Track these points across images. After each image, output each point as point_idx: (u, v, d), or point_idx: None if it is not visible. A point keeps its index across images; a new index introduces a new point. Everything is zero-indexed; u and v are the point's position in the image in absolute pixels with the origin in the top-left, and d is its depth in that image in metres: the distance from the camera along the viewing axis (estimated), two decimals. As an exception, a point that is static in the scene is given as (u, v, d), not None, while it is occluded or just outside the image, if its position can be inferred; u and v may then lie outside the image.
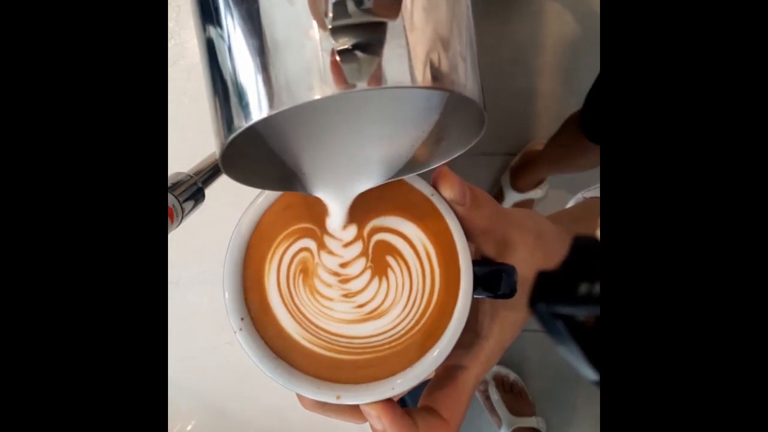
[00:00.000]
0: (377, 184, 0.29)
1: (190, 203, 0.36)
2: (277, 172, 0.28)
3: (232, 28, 0.19)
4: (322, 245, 0.28)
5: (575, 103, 0.94)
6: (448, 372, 0.30)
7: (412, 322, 0.27)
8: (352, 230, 0.29)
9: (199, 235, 0.54)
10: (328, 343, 0.27)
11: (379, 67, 0.19)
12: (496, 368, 1.29)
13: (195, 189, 0.36)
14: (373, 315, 0.28)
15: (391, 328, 0.27)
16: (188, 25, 0.58)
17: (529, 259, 0.30)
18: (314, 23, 0.18)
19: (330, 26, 0.18)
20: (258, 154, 0.27)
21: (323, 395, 0.26)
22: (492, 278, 0.28)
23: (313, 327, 0.27)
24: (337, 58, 0.18)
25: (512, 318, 0.31)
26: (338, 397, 0.26)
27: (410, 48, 0.19)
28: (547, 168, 1.19)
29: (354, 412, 0.28)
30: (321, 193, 0.28)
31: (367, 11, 0.18)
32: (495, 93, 1.27)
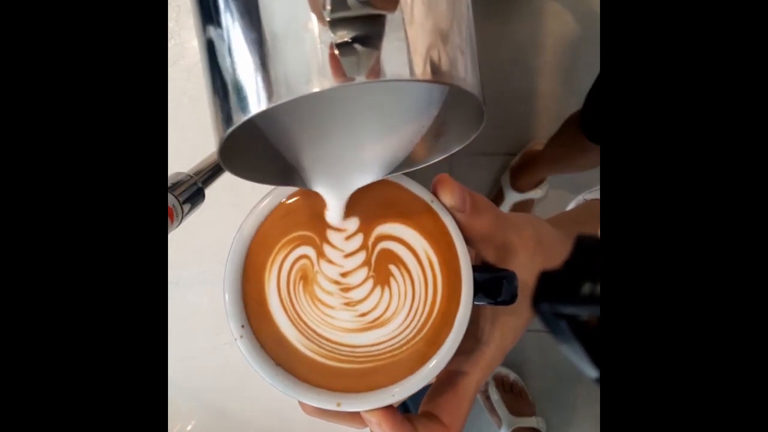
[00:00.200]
0: (376, 179, 0.28)
1: (190, 203, 0.36)
2: (277, 167, 0.28)
3: (231, 21, 0.19)
4: (321, 253, 0.28)
5: (575, 103, 0.94)
6: (448, 377, 0.30)
7: (414, 331, 0.27)
8: (357, 240, 0.28)
9: (199, 235, 0.54)
10: (330, 351, 0.27)
11: (378, 60, 0.18)
12: (496, 368, 1.29)
13: (195, 189, 0.36)
14: (376, 324, 0.27)
15: (394, 337, 0.27)
16: (188, 25, 0.58)
17: (530, 264, 0.30)
18: (313, 16, 0.18)
19: (328, 19, 0.18)
20: (257, 149, 0.27)
21: (324, 402, 0.26)
22: (493, 285, 0.28)
23: (314, 336, 0.27)
24: (336, 51, 0.18)
25: (513, 323, 0.31)
26: (339, 404, 0.26)
27: (409, 41, 0.19)
28: (547, 168, 1.19)
29: (355, 417, 0.28)
30: (319, 188, 0.28)
31: (366, 4, 0.18)
32: (495, 93, 1.27)
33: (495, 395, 1.26)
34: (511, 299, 0.28)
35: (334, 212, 0.28)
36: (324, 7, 0.18)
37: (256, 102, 0.19)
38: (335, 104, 0.26)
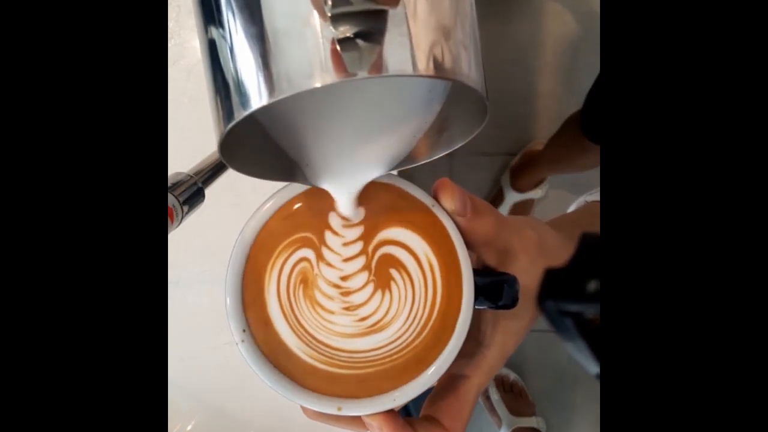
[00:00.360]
0: (380, 175, 0.28)
1: (190, 203, 0.36)
2: (279, 163, 0.28)
3: (233, 17, 0.19)
4: (321, 257, 0.28)
5: (575, 103, 0.94)
6: (450, 381, 0.30)
7: (414, 335, 0.27)
8: (357, 244, 0.28)
9: (199, 235, 0.54)
10: (329, 357, 0.27)
11: (380, 55, 0.18)
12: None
13: (195, 189, 0.36)
14: (375, 328, 0.27)
15: (393, 341, 0.27)
16: (188, 25, 0.58)
17: (531, 268, 0.30)
18: (314, 11, 0.18)
19: (330, 14, 0.18)
20: (260, 145, 0.27)
21: (325, 407, 0.26)
22: (493, 289, 0.28)
23: (314, 342, 0.27)
24: (338, 46, 0.18)
25: (514, 327, 0.31)
26: (339, 409, 0.26)
27: (412, 36, 0.19)
28: (547, 168, 1.19)
29: (356, 422, 0.28)
30: (324, 184, 0.28)
31: None
32: (495, 93, 1.27)
33: (495, 395, 1.26)
34: (512, 303, 0.28)
35: (344, 207, 0.28)
36: (325, 2, 0.18)
37: (258, 97, 0.19)
38: (338, 100, 0.26)
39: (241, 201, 0.57)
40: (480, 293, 0.28)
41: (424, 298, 0.28)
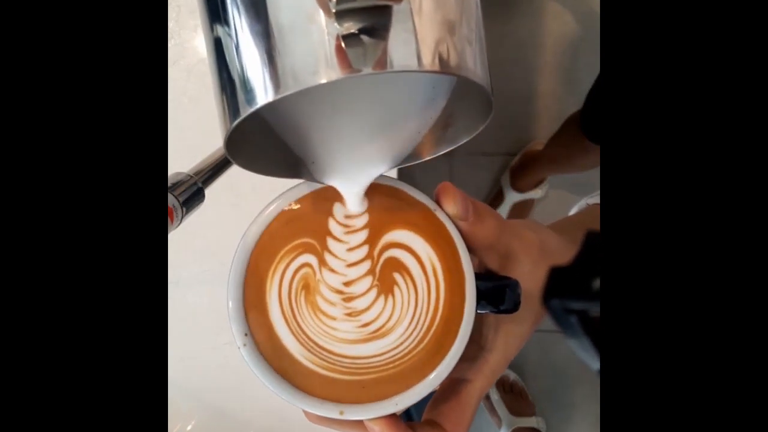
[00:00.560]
0: (385, 171, 0.28)
1: (190, 203, 0.36)
2: (285, 160, 0.28)
3: (237, 14, 0.19)
4: (323, 262, 0.28)
5: (575, 103, 0.94)
6: (452, 385, 0.30)
7: (416, 341, 0.27)
8: (362, 249, 0.28)
9: (199, 235, 0.54)
10: (331, 363, 0.27)
11: (385, 51, 0.18)
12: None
13: (195, 189, 0.36)
14: (378, 334, 0.27)
15: (396, 347, 0.27)
16: (188, 25, 0.58)
17: (533, 272, 0.30)
18: (319, 8, 0.18)
19: (335, 10, 0.18)
20: (265, 142, 0.27)
21: (326, 411, 0.26)
22: (496, 293, 0.28)
23: (316, 347, 0.27)
24: (342, 42, 0.18)
25: (517, 331, 0.31)
26: (341, 413, 0.26)
27: (417, 32, 0.19)
28: (547, 168, 1.19)
29: (358, 425, 0.28)
30: (330, 181, 0.28)
31: None
32: (495, 93, 1.27)
33: (495, 395, 1.25)
34: (514, 307, 0.28)
35: (351, 203, 0.28)
36: None
37: (264, 93, 0.19)
38: (344, 97, 0.26)
39: (241, 201, 0.57)
40: (482, 297, 0.28)
41: (427, 303, 0.28)
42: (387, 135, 0.28)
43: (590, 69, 1.26)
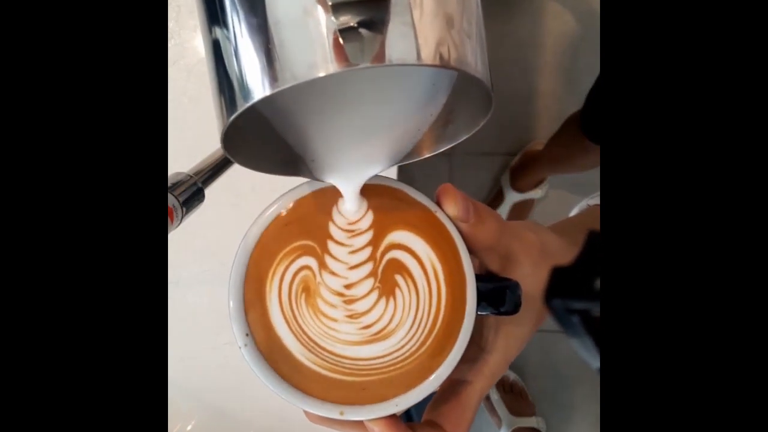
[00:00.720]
0: (385, 169, 0.28)
1: (190, 203, 0.36)
2: (284, 158, 0.28)
3: (234, 8, 0.19)
4: (324, 264, 0.28)
5: (575, 103, 0.94)
6: (452, 386, 0.30)
7: (418, 343, 0.27)
8: (364, 251, 0.28)
9: (199, 235, 0.54)
10: (332, 364, 0.27)
11: (383, 44, 0.18)
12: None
13: (195, 189, 0.36)
14: (379, 336, 0.27)
15: (397, 350, 0.27)
16: (188, 25, 0.58)
17: (534, 273, 0.30)
18: (316, 1, 0.18)
19: (331, 3, 0.18)
20: (264, 139, 0.27)
21: (327, 411, 0.26)
22: (496, 294, 0.28)
23: (317, 348, 0.27)
24: (340, 36, 0.18)
25: (517, 332, 0.31)
26: (342, 413, 0.26)
27: (415, 26, 0.19)
28: (547, 168, 1.19)
29: (358, 426, 0.28)
30: (330, 179, 0.28)
31: None
32: (495, 93, 1.27)
33: (495, 395, 1.25)
34: (515, 309, 0.28)
35: (349, 200, 0.28)
36: None
37: (261, 88, 0.19)
38: (344, 94, 0.26)
39: (241, 201, 0.57)
40: (482, 299, 0.28)
41: (428, 305, 0.28)
42: (387, 132, 0.28)
43: (590, 69, 1.26)
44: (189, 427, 0.59)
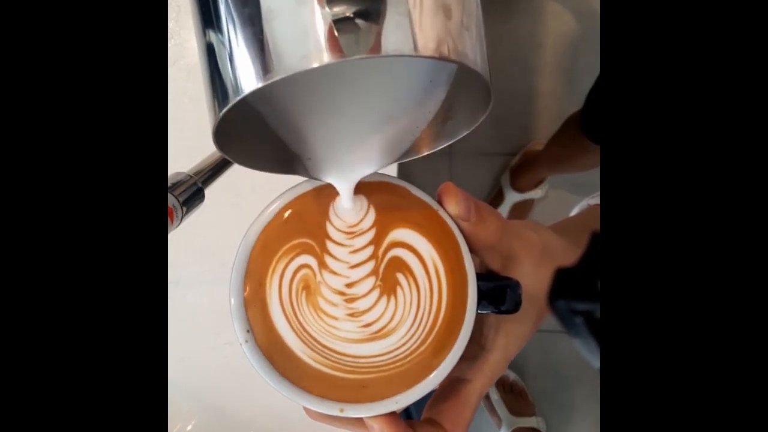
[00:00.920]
0: (383, 167, 0.28)
1: (190, 203, 0.36)
2: (281, 156, 0.28)
3: None
4: (323, 264, 0.28)
5: (575, 103, 0.94)
6: (452, 384, 0.30)
7: (419, 342, 0.27)
8: (367, 249, 0.28)
9: (199, 235, 0.54)
10: (333, 362, 0.27)
11: (379, 35, 0.18)
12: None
13: (195, 189, 0.36)
14: (380, 335, 0.27)
15: (398, 348, 0.27)
16: (188, 25, 0.58)
17: (535, 272, 0.30)
18: None
19: None
20: (259, 137, 0.27)
21: (327, 408, 0.26)
22: (497, 293, 0.28)
23: (318, 345, 0.27)
24: (334, 27, 0.17)
25: (517, 331, 0.31)
26: (342, 410, 0.26)
27: (412, 16, 0.18)
28: (547, 168, 1.19)
29: (358, 423, 0.28)
30: (327, 178, 0.28)
31: None
32: (495, 92, 1.27)
33: (495, 395, 1.26)
34: (515, 308, 0.28)
35: (347, 199, 0.28)
36: None
37: (252, 80, 0.18)
38: (339, 89, 0.26)
39: (241, 201, 0.57)
40: (483, 298, 0.28)
41: (429, 304, 0.28)
42: (384, 130, 0.28)
43: (590, 69, 1.26)
44: (189, 427, 0.59)
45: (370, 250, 0.28)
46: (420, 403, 0.29)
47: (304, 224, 0.28)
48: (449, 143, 0.27)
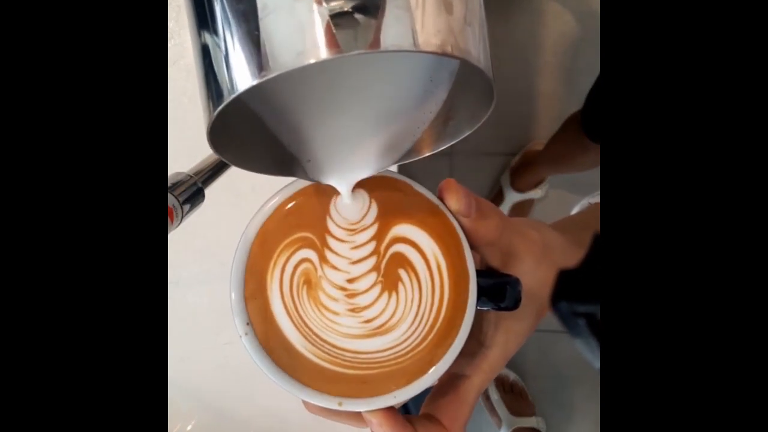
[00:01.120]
0: (383, 169, 0.28)
1: (190, 203, 0.36)
2: (279, 157, 0.28)
3: None
4: (324, 258, 0.28)
5: (575, 103, 0.94)
6: (450, 380, 0.30)
7: (420, 338, 0.27)
8: (369, 247, 0.28)
9: (199, 235, 0.54)
10: (333, 357, 0.27)
11: (378, 30, 0.17)
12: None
13: (195, 189, 0.36)
14: (381, 330, 0.27)
15: (399, 344, 0.27)
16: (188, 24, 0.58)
17: (535, 270, 0.30)
18: None
19: None
20: (257, 138, 0.27)
21: (326, 401, 0.26)
22: (496, 290, 0.28)
23: (318, 340, 0.27)
24: (331, 22, 0.17)
25: (517, 328, 0.31)
26: (340, 404, 0.26)
27: (412, 10, 0.18)
28: (547, 168, 1.19)
29: (357, 417, 0.28)
30: (327, 180, 0.28)
31: None
32: (496, 87, 1.28)
33: (495, 395, 1.26)
34: (515, 305, 0.28)
35: (345, 198, 0.28)
36: None
37: (246, 78, 0.18)
38: (337, 90, 0.26)
39: (241, 201, 0.57)
40: (483, 294, 0.28)
41: (431, 300, 0.28)
42: (384, 131, 0.28)
43: (590, 69, 1.26)
44: (189, 427, 0.59)
45: (371, 246, 0.28)
46: (418, 399, 0.29)
47: (305, 219, 0.29)
48: (451, 144, 0.27)
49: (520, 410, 1.23)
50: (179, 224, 0.35)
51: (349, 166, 0.28)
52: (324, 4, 0.17)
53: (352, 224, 0.28)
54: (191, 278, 0.58)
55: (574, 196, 1.30)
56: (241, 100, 0.19)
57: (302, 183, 0.29)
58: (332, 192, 0.29)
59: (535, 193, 1.28)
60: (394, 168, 0.29)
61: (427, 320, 0.27)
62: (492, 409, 1.26)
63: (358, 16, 0.17)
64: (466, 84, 0.25)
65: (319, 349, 0.27)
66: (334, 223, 0.28)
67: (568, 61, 1.32)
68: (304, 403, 0.28)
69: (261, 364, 0.27)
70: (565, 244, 0.33)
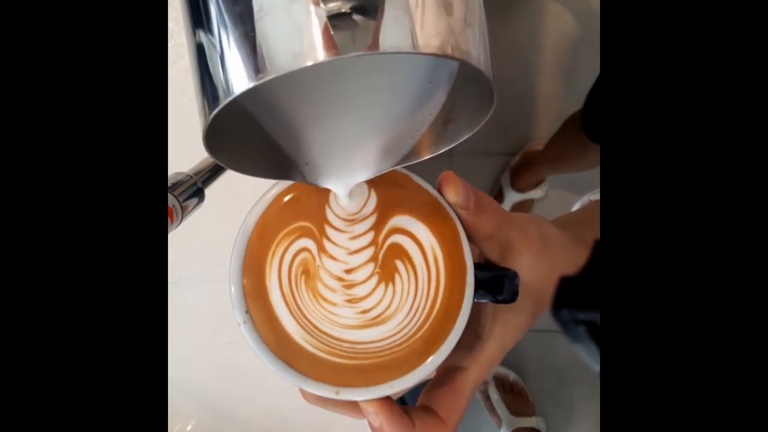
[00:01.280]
0: (382, 172, 0.28)
1: (190, 203, 0.36)
2: (276, 161, 0.28)
3: None
4: (322, 248, 0.28)
5: (575, 103, 0.94)
6: (447, 372, 0.30)
7: (415, 328, 0.27)
8: (367, 235, 0.28)
9: (199, 235, 0.54)
10: (330, 347, 0.27)
11: (376, 32, 0.17)
12: (496, 368, 1.29)
13: (195, 189, 0.36)
14: (377, 321, 0.27)
15: (394, 334, 0.27)
16: (188, 25, 0.58)
17: (533, 264, 0.30)
18: None
19: None
20: (254, 141, 0.27)
21: (323, 390, 0.26)
22: (494, 283, 0.28)
23: (316, 331, 0.27)
24: (329, 23, 0.17)
25: (514, 321, 0.31)
26: (337, 393, 0.26)
27: (412, 11, 0.17)
28: (547, 168, 1.19)
29: (353, 407, 0.28)
30: (325, 183, 0.28)
31: None
32: (496, 89, 1.27)
33: (495, 395, 1.26)
34: (512, 298, 0.28)
35: (343, 198, 0.28)
36: None
37: (242, 80, 0.18)
38: (335, 92, 0.26)
39: (241, 201, 0.57)
40: (480, 287, 0.28)
41: (427, 291, 0.28)
42: (383, 134, 0.28)
43: (590, 69, 1.26)
44: (189, 427, 0.59)
45: (370, 237, 0.28)
46: (415, 391, 0.30)
47: (304, 208, 0.29)
48: (451, 146, 0.27)
49: (520, 410, 1.23)
50: (179, 224, 0.35)
51: (347, 169, 0.28)
52: (321, 5, 0.17)
53: (351, 214, 0.29)
54: (191, 278, 0.58)
55: (574, 196, 1.30)
56: (238, 103, 0.18)
57: None
58: None
59: (535, 193, 1.28)
60: None
61: (423, 310, 0.27)
62: (492, 409, 1.26)
63: (356, 17, 0.17)
64: (465, 86, 0.25)
65: (317, 339, 0.27)
66: (333, 213, 0.29)
67: (568, 61, 1.32)
68: (302, 392, 0.28)
69: (259, 353, 0.27)
70: (565, 240, 0.33)
